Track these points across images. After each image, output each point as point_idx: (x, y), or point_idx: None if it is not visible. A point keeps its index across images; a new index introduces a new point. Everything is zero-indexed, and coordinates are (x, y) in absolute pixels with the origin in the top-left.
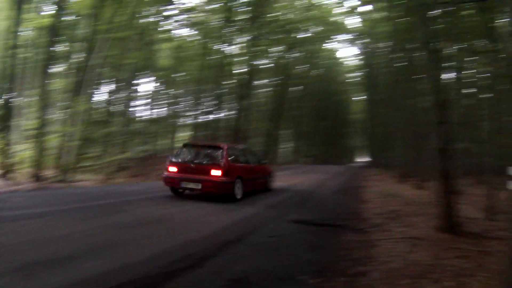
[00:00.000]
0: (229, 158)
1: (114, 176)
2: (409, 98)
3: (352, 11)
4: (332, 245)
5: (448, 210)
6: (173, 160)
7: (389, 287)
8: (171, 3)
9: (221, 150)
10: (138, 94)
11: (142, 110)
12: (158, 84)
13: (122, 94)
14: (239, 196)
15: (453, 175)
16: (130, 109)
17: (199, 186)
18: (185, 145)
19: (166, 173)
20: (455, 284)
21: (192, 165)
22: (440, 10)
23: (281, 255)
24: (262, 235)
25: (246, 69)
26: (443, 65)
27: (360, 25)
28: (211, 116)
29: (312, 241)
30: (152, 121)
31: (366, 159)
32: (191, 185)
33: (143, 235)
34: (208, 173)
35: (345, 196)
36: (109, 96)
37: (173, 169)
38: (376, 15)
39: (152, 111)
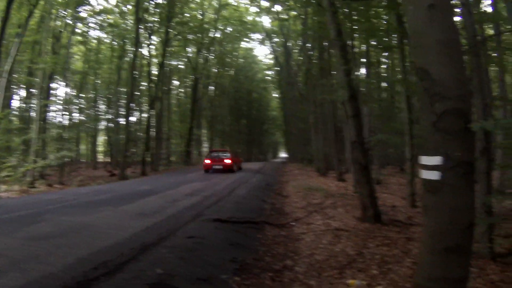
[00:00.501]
0: (230, 155)
1: (33, 186)
2: (324, 93)
3: (265, 10)
4: (255, 241)
5: (369, 200)
6: (207, 157)
7: (315, 279)
8: (85, 4)
9: (227, 152)
10: (54, 99)
11: (58, 116)
12: (72, 88)
13: (37, 100)
14: (235, 170)
15: (371, 166)
16: (47, 115)
17: (221, 167)
18: (210, 151)
19: (204, 163)
20: (381, 272)
21: (217, 158)
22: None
23: (202, 255)
24: (181, 236)
25: (161, 70)
26: (362, 61)
27: (272, 24)
28: (128, 119)
29: (233, 239)
30: (69, 126)
31: (285, 154)
32: (217, 167)
33: (63, 244)
34: (224, 161)
35: (266, 192)
36: (24, 103)
37: (208, 161)
38: (288, 15)
39: (68, 116)
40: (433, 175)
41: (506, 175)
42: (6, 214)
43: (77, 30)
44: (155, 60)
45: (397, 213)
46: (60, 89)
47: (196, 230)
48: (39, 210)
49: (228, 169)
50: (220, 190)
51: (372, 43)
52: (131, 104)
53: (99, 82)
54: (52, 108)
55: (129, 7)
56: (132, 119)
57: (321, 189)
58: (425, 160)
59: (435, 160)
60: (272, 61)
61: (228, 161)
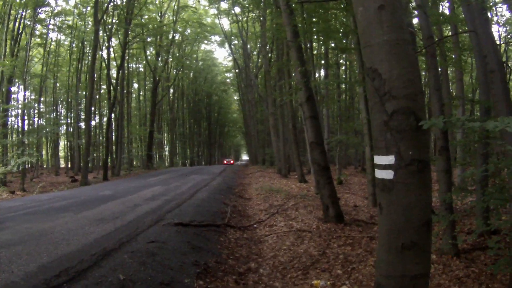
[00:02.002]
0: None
1: None
2: (283, 95)
3: (224, 12)
4: (217, 245)
5: (331, 201)
6: (225, 160)
7: (279, 281)
8: (44, 5)
9: (231, 157)
10: (13, 103)
11: (18, 121)
12: (32, 92)
13: None
14: (234, 164)
15: (331, 166)
16: (7, 120)
17: (230, 162)
18: (224, 158)
19: (224, 162)
20: (345, 271)
21: (227, 160)
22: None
23: (164, 260)
24: (142, 241)
25: (121, 73)
26: (321, 62)
27: (232, 26)
28: (89, 123)
29: (195, 242)
30: (29, 131)
31: (247, 157)
32: (227, 162)
33: (24, 252)
34: (230, 161)
35: (227, 194)
36: None
37: (225, 161)
38: (247, 16)
39: (28, 121)
40: (386, 174)
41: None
42: None
43: (36, 32)
44: (114, 63)
45: (359, 212)
46: (19, 93)
47: (157, 235)
48: (0, 218)
49: (232, 163)
50: (181, 193)
51: (331, 45)
52: (91, 108)
53: (59, 85)
54: (12, 112)
55: (88, 8)
56: (92, 123)
57: (282, 190)
58: (378, 159)
59: (387, 159)
60: (231, 63)
61: (231, 161)
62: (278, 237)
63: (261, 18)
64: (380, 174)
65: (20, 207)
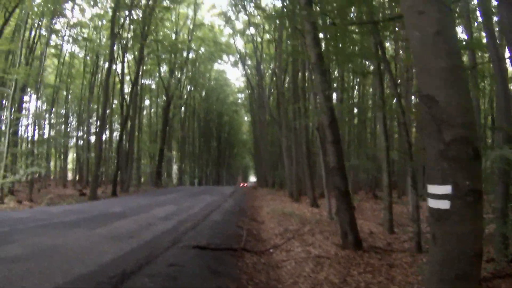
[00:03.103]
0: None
1: (2, 202)
2: (298, 118)
3: (240, 32)
4: (236, 269)
5: (350, 227)
6: (241, 182)
7: None
8: (61, 16)
9: (245, 183)
10: (25, 112)
11: (28, 130)
12: (44, 102)
13: (8, 112)
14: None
15: (349, 192)
16: (18, 129)
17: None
18: (240, 181)
19: (240, 185)
20: None
21: (242, 183)
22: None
23: (185, 285)
24: (162, 264)
25: (134, 89)
26: (334, 86)
27: (246, 46)
28: (101, 137)
29: (214, 267)
30: (39, 141)
31: (255, 179)
32: (241, 184)
33: (36, 269)
34: (245, 184)
35: (240, 217)
36: None
37: (241, 184)
38: (262, 38)
39: (38, 131)
40: (442, 204)
41: None
42: None
43: (51, 43)
44: (126, 78)
45: (376, 239)
46: (32, 102)
47: (176, 258)
48: (9, 230)
49: (246, 185)
50: (194, 214)
51: (348, 68)
52: (104, 122)
53: (71, 97)
54: (22, 121)
55: (104, 22)
56: (103, 137)
57: (295, 214)
58: (433, 189)
59: (444, 189)
60: (244, 84)
61: (246, 184)
62: (296, 263)
63: (275, 39)
64: (435, 203)
65: (30, 219)
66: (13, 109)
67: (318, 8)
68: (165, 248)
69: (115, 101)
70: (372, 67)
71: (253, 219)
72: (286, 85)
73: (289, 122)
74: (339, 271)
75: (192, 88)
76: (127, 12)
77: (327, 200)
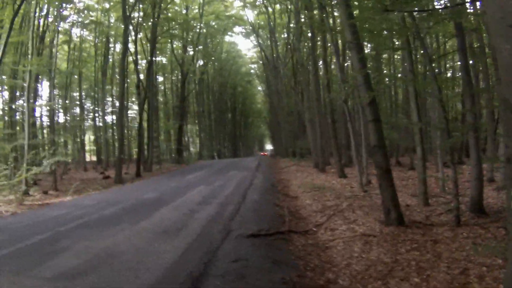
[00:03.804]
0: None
1: (28, 193)
2: (320, 90)
3: (251, 4)
4: (290, 255)
5: (392, 203)
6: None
7: None
8: (68, 2)
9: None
10: (41, 101)
11: (46, 119)
12: (58, 89)
13: (26, 104)
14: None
15: (390, 169)
16: (35, 119)
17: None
18: (261, 151)
19: (261, 154)
20: (422, 279)
21: (262, 153)
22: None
23: (256, 282)
24: (225, 260)
25: (150, 68)
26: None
27: (258, 18)
28: (122, 118)
29: (272, 255)
30: (59, 129)
31: (271, 147)
32: (262, 153)
33: (104, 282)
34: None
35: (275, 194)
36: (7, 106)
37: (261, 153)
38: (273, 8)
39: (55, 118)
40: None
41: None
42: (18, 242)
43: (60, 29)
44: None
45: (413, 213)
46: (45, 90)
47: (236, 251)
48: (52, 234)
49: (266, 155)
50: (231, 195)
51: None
52: (123, 103)
53: (84, 80)
54: (41, 111)
55: (112, 3)
56: (122, 116)
57: (326, 188)
58: None
59: None
60: (256, 54)
61: (266, 153)
62: (344, 243)
63: (290, 10)
64: None
65: (67, 217)
66: (30, 101)
67: None
68: (220, 239)
69: (128, 81)
70: (398, 42)
71: (285, 195)
72: (304, 57)
73: (311, 93)
74: (388, 250)
75: (207, 63)
76: None
77: (358, 172)
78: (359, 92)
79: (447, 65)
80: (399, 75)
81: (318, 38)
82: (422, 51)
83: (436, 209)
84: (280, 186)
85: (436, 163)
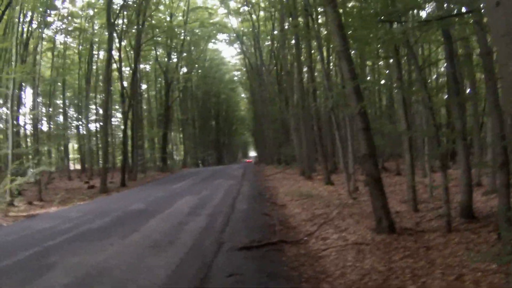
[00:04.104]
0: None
1: (12, 204)
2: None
3: (235, 11)
4: (283, 266)
5: (384, 212)
6: (245, 159)
7: None
8: (52, 8)
9: (251, 159)
10: (24, 109)
11: (26, 127)
12: (41, 96)
13: (10, 112)
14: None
15: (380, 178)
16: (18, 129)
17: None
18: (244, 159)
19: (245, 161)
20: (418, 287)
21: (247, 160)
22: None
23: None
24: (221, 275)
25: (134, 76)
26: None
27: (243, 25)
28: (107, 126)
29: (266, 268)
30: (43, 139)
31: (255, 154)
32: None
33: None
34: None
35: (263, 203)
36: None
37: (246, 160)
38: (257, 15)
39: (38, 126)
40: None
41: None
42: (5, 258)
43: (43, 36)
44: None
45: (403, 219)
46: (28, 97)
47: (230, 264)
48: (41, 249)
49: (250, 162)
50: (219, 205)
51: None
52: (108, 111)
53: (67, 88)
54: (24, 119)
55: (96, 10)
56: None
57: (314, 195)
58: None
59: None
60: (239, 61)
61: (250, 160)
62: (337, 252)
63: (273, 16)
64: None
65: (55, 230)
66: (14, 109)
67: None
68: (213, 253)
69: (111, 89)
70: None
71: (273, 203)
72: (289, 64)
73: (296, 101)
74: (382, 258)
75: (192, 71)
76: (121, 1)
77: (346, 179)
78: (348, 101)
79: (432, 72)
80: (382, 81)
81: (303, 46)
82: (410, 59)
83: (426, 215)
84: (268, 194)
85: (422, 167)
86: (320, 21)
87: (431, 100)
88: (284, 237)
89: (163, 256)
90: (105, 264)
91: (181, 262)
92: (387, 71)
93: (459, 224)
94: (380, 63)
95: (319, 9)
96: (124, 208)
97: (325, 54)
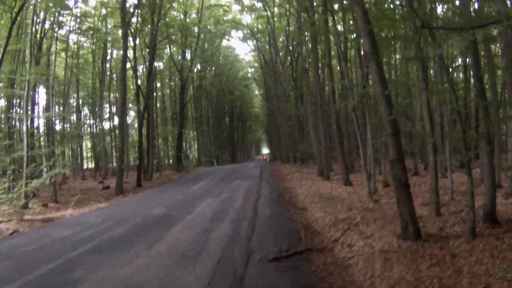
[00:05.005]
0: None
1: (27, 207)
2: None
3: (250, 8)
4: (314, 277)
5: (410, 218)
6: (260, 156)
7: None
8: (65, 9)
9: (264, 155)
10: (39, 110)
11: (40, 127)
12: (56, 97)
13: (25, 114)
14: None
15: (408, 183)
16: (32, 130)
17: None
18: (260, 155)
19: (260, 158)
20: None
21: (261, 156)
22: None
23: None
24: None
25: (150, 76)
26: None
27: (257, 22)
28: (123, 126)
29: (298, 281)
30: (58, 141)
31: (268, 151)
32: (262, 157)
33: None
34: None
35: (284, 206)
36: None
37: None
38: (272, 12)
39: (53, 127)
40: None
41: None
42: (27, 272)
43: (55, 35)
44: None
45: (427, 224)
46: (42, 98)
47: (262, 278)
48: (63, 261)
49: (264, 159)
50: (242, 209)
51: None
52: (124, 110)
53: (81, 88)
54: (38, 120)
55: (108, 9)
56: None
57: (335, 197)
58: None
59: None
60: (253, 58)
61: (264, 157)
62: (364, 261)
63: (288, 12)
64: None
65: (75, 238)
66: (28, 112)
67: None
68: (243, 265)
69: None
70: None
71: (294, 206)
72: (307, 63)
73: (315, 99)
74: (409, 267)
75: (207, 69)
76: (136, 0)
77: (366, 181)
78: (377, 105)
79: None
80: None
81: (322, 42)
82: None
83: (449, 219)
84: (287, 196)
85: (441, 167)
86: (335, 17)
87: (458, 103)
88: (309, 244)
89: (193, 269)
90: (134, 279)
91: (212, 275)
92: (406, 69)
93: (483, 229)
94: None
95: (335, 5)
96: (145, 213)
97: (344, 51)
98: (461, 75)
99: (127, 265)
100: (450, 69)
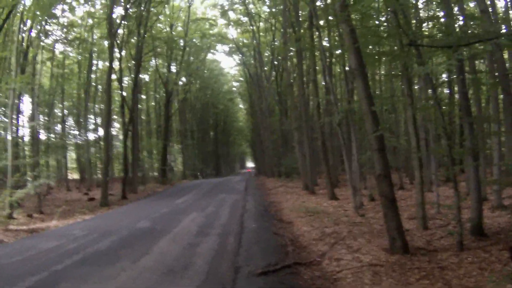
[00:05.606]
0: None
1: (11, 217)
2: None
3: (235, 23)
4: None
5: (397, 232)
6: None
7: None
8: (52, 17)
9: (249, 169)
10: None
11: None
12: (41, 106)
13: (9, 123)
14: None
15: (395, 198)
16: (17, 140)
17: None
18: (245, 168)
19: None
20: None
21: (247, 169)
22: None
23: None
24: None
25: (135, 87)
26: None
27: (243, 36)
28: (108, 137)
29: None
30: (43, 151)
31: (253, 165)
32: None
33: None
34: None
35: (270, 220)
36: None
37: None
38: (257, 26)
39: (37, 137)
40: None
41: None
42: (13, 285)
43: (43, 45)
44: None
45: (414, 238)
46: (26, 107)
47: None
48: (49, 274)
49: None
50: (227, 224)
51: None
52: (109, 122)
53: (65, 97)
54: (23, 129)
55: (95, 20)
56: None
57: (321, 212)
58: None
59: None
60: (238, 72)
61: (249, 170)
62: (352, 274)
63: (273, 27)
64: None
65: (61, 250)
66: (13, 120)
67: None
68: (231, 280)
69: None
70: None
71: (280, 220)
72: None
73: (300, 114)
74: (398, 280)
75: (192, 82)
76: (123, 12)
77: (352, 195)
78: (365, 122)
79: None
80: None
81: (306, 57)
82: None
83: (436, 233)
84: (273, 210)
85: (427, 181)
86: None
87: (444, 119)
88: (297, 258)
89: (181, 284)
90: None
91: None
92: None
93: (470, 242)
94: (381, 75)
95: (321, 22)
96: (130, 226)
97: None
98: (445, 90)
99: (113, 279)
100: (435, 85)
